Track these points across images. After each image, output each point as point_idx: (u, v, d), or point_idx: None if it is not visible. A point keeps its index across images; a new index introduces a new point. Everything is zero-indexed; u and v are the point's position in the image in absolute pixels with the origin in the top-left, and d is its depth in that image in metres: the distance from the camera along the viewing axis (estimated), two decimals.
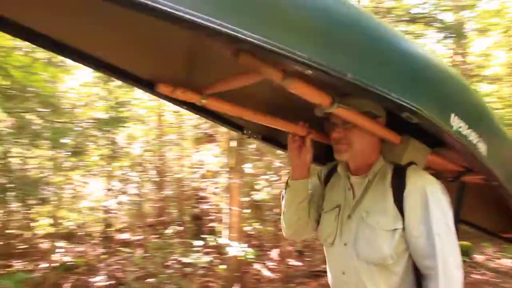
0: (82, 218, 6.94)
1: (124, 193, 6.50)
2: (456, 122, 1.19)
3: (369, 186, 1.44)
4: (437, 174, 1.73)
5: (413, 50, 1.13)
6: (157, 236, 6.27)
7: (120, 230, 6.87)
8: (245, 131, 1.62)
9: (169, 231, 6.16)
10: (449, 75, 1.28)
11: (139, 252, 5.95)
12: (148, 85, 1.22)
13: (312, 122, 1.45)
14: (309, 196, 1.64)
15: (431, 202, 1.31)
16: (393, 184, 1.38)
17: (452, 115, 1.18)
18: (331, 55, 0.86)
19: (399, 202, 1.34)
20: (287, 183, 1.63)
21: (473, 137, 1.29)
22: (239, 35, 0.68)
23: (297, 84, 0.99)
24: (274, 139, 1.81)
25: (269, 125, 1.38)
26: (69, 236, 6.58)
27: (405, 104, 1.01)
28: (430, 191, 1.33)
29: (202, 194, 6.53)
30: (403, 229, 1.32)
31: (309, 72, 0.82)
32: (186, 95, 1.13)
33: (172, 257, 5.47)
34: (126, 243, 6.39)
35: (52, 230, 6.55)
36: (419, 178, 1.37)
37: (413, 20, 6.21)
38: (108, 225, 6.73)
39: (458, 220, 1.91)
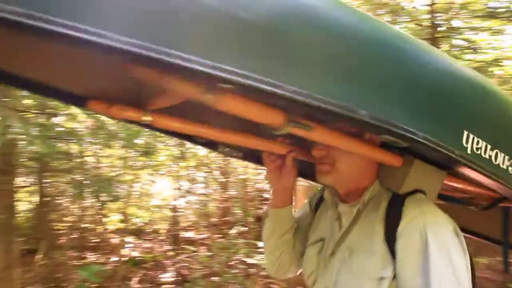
0: (150, 216, 7.22)
1: (189, 192, 6.68)
2: (472, 142, 0.89)
3: (358, 218, 1.12)
4: (467, 200, 1.46)
5: (399, 47, 0.83)
6: (221, 236, 6.36)
7: (185, 229, 7.05)
8: (220, 149, 1.32)
9: (233, 231, 6.23)
10: (460, 78, 0.95)
11: (203, 250, 6.08)
12: (81, 101, 1.03)
13: (294, 136, 1.07)
14: (294, 226, 1.36)
15: (432, 246, 0.95)
16: (387, 217, 1.05)
17: (466, 133, 0.89)
18: (261, 61, 0.62)
19: (390, 241, 1.01)
20: (266, 212, 1.36)
21: (501, 159, 0.98)
22: (112, 43, 0.50)
23: (227, 100, 0.72)
24: (259, 157, 1.44)
25: (239, 144, 1.13)
26: (138, 232, 6.87)
27: (381, 125, 0.73)
28: (433, 231, 0.98)
29: (266, 195, 6.54)
30: (394, 277, 1.00)
31: (230, 87, 0.61)
32: (124, 113, 0.94)
33: (236, 257, 5.52)
34: (190, 241, 6.55)
35: (122, 225, 6.89)
36: (420, 211, 1.01)
37: (491, 15, 5.81)
38: (174, 223, 6.94)
39: (508, 247, 1.64)
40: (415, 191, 1.09)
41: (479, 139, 0.91)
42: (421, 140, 0.79)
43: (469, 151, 0.89)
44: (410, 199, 1.05)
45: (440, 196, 1.42)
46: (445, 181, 1.21)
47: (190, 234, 6.93)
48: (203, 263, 5.58)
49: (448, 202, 1.47)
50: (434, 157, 0.98)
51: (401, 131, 0.76)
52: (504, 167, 0.99)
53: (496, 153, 0.96)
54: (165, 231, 6.97)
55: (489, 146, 0.94)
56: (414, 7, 6.07)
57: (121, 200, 6.46)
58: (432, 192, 1.15)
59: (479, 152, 0.91)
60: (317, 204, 1.37)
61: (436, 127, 0.83)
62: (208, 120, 0.99)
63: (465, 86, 0.95)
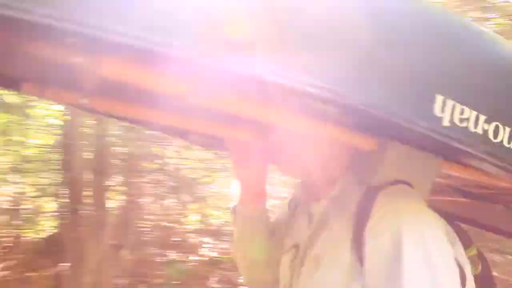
0: (228, 217, 7.37)
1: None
2: (452, 111, 0.62)
3: (326, 218, 0.90)
4: (491, 197, 1.16)
5: None
6: None
7: None
8: (191, 137, 1.12)
9: None
10: (431, 18, 0.66)
11: None
12: (14, 84, 0.93)
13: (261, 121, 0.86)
14: (268, 228, 1.13)
15: (407, 254, 0.72)
16: (357, 216, 0.82)
17: (439, 97, 0.62)
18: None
19: (358, 246, 0.79)
20: (233, 210, 1.14)
21: (505, 135, 0.69)
22: None
23: (105, 64, 0.56)
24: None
25: (193, 129, 0.96)
26: (216, 233, 7.03)
27: (280, 81, 0.51)
28: (410, 232, 0.74)
29: None
30: None
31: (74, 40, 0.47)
32: (60, 95, 0.85)
33: None
34: None
35: (200, 226, 7.10)
36: (393, 207, 0.78)
37: None
38: None
39: None
40: (395, 183, 0.84)
41: (464, 107, 0.63)
42: (358, 106, 0.55)
43: (446, 123, 0.62)
44: (384, 192, 0.81)
45: (459, 192, 1.20)
46: (456, 173, 0.95)
47: None
48: None
49: (467, 198, 1.21)
50: (413, 138, 0.74)
51: (311, 89, 0.51)
52: (508, 144, 0.70)
53: (496, 127, 0.67)
54: None
55: (482, 117, 0.66)
56: (505, 1, 5.67)
57: (201, 201, 6.67)
58: (422, 184, 0.89)
59: (465, 124, 0.64)
60: (296, 204, 1.13)
61: (390, 87, 0.58)
62: (165, 104, 0.82)
63: (435, 30, 0.66)
